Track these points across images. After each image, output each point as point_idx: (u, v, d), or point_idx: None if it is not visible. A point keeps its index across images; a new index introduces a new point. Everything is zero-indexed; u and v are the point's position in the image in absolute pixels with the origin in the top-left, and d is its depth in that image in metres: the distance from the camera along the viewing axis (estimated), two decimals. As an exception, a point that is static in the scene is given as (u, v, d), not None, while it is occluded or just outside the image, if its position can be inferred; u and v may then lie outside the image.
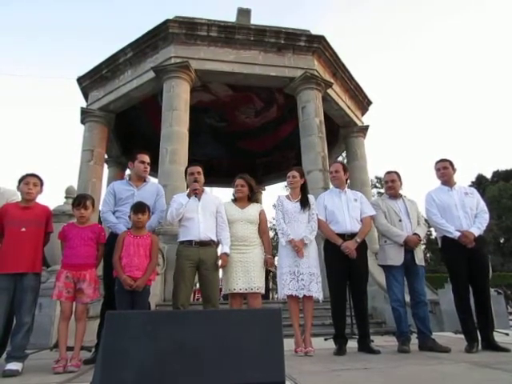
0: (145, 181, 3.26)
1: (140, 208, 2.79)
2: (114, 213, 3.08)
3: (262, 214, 3.31)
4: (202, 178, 3.18)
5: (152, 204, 3.08)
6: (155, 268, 2.81)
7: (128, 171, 3.51)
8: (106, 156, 9.76)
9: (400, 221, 3.31)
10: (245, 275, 3.06)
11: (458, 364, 2.38)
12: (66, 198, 4.77)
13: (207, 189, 3.36)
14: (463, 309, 3.05)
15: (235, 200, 3.37)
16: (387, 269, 3.27)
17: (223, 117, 10.74)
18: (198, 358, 1.25)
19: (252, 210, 3.29)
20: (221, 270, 3.12)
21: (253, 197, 3.39)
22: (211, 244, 3.05)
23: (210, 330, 1.29)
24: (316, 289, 3.11)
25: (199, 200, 3.11)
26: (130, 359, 1.20)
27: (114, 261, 2.68)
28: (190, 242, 2.98)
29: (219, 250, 3.10)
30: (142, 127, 9.98)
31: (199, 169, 3.19)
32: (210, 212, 3.11)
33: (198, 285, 3.16)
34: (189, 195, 3.05)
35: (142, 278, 2.64)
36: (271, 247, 3.36)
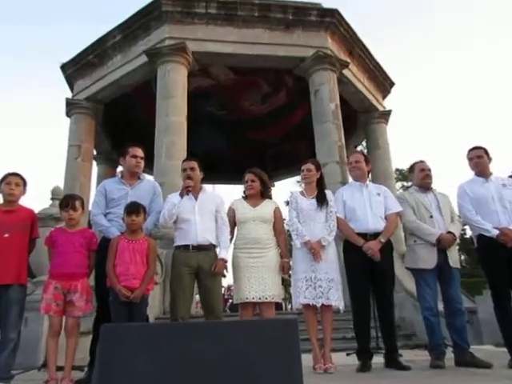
0: (139, 178, 3.28)
1: (134, 209, 2.80)
2: (105, 215, 3.10)
3: (276, 211, 3.34)
4: (197, 173, 3.19)
5: (148, 204, 3.10)
6: (153, 276, 2.84)
7: (120, 168, 3.54)
8: (94, 152, 9.85)
9: (431, 217, 3.28)
10: (259, 282, 3.08)
11: (499, 381, 2.36)
12: (52, 199, 4.83)
13: (208, 187, 3.37)
14: (504, 318, 3.01)
15: (246, 197, 3.40)
16: (417, 273, 3.25)
17: (225, 104, 10.73)
18: (204, 375, 1.25)
19: (266, 207, 3.32)
20: (226, 277, 3.15)
21: (266, 193, 3.42)
22: (211, 248, 3.07)
23: (216, 344, 1.29)
24: (336, 297, 3.11)
25: (196, 199, 3.13)
26: (129, 377, 1.20)
27: (107, 269, 2.70)
28: (186, 246, 3.01)
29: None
30: (134, 118, 10.02)
31: (193, 164, 3.20)
32: (208, 212, 3.12)
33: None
34: (181, 194, 3.06)
35: (140, 287, 2.67)
36: (286, 245, 3.41)
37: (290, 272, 3.49)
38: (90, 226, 3.23)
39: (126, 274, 2.66)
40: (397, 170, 27.37)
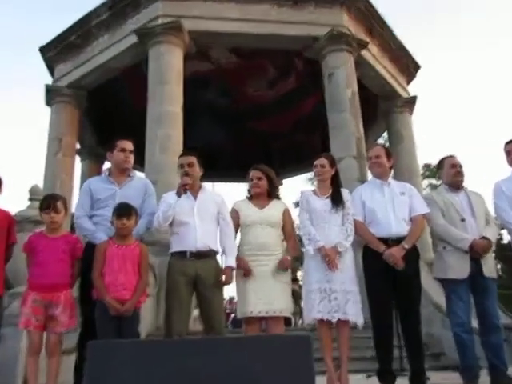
0: (129, 176, 3.31)
1: (125, 211, 2.83)
2: (90, 218, 3.12)
3: (286, 213, 3.38)
4: (196, 170, 3.21)
5: (139, 205, 3.13)
6: (146, 287, 2.86)
7: (107, 164, 3.58)
8: (77, 146, 9.90)
9: (463, 220, 3.28)
10: (266, 294, 3.10)
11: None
12: (31, 200, 4.86)
13: (207, 185, 3.40)
14: None
15: (251, 198, 3.43)
16: (447, 283, 3.25)
17: (227, 91, 10.76)
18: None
19: (274, 209, 3.35)
20: (227, 288, 3.16)
21: (273, 192, 3.45)
22: (211, 255, 3.10)
23: (219, 363, 1.30)
24: (354, 311, 3.11)
25: (195, 199, 3.15)
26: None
27: (93, 278, 2.72)
28: (183, 253, 3.03)
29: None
30: (122, 108, 10.06)
31: (191, 159, 3.21)
32: (209, 214, 3.15)
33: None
34: (178, 193, 3.07)
35: (131, 299, 2.68)
36: (297, 252, 3.43)
37: (301, 282, 3.50)
38: (72, 230, 3.26)
39: (115, 285, 2.68)
40: (424, 165, 27.15)
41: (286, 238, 3.33)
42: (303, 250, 3.41)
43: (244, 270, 3.17)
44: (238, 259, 3.18)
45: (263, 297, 3.09)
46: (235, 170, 10.79)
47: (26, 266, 2.86)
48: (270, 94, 10.89)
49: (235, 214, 3.35)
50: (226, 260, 3.10)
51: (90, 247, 2.95)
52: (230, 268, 3.07)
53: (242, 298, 3.16)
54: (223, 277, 3.05)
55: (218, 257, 3.24)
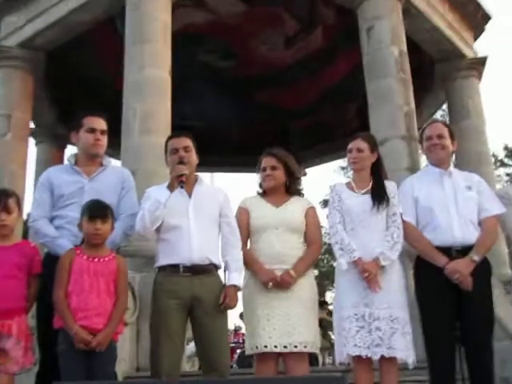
0: (101, 165, 3.33)
1: (99, 211, 2.84)
2: (51, 220, 3.15)
3: (310, 213, 3.42)
4: (192, 156, 3.25)
5: (115, 203, 3.17)
6: (125, 312, 2.88)
7: (72, 149, 3.59)
8: (32, 125, 9.93)
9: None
10: (284, 322, 3.12)
11: None
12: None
13: (204, 176, 3.41)
14: None
15: (264, 193, 3.46)
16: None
17: (230, 50, 10.70)
18: None
19: (294, 208, 3.38)
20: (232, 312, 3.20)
21: (293, 186, 3.48)
22: (211, 270, 3.13)
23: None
24: (402, 345, 3.11)
25: (190, 195, 3.18)
26: None
27: (55, 300, 2.73)
28: (175, 267, 3.05)
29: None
30: (91, 75, 10.05)
31: (187, 142, 3.25)
32: (208, 215, 3.19)
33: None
34: (170, 187, 3.09)
35: (106, 330, 2.69)
36: (314, 261, 3.49)
37: (331, 307, 3.52)
38: (25, 235, 3.29)
39: (85, 309, 2.69)
40: (508, 148, 26.51)
41: (307, 244, 3.37)
42: (334, 263, 3.42)
43: (269, 281, 3.17)
44: (259, 269, 3.21)
45: (280, 326, 3.11)
46: (242, 157, 10.79)
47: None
48: (288, 56, 10.82)
49: (243, 216, 3.39)
50: (229, 276, 3.12)
51: (51, 259, 2.96)
52: (234, 288, 3.09)
53: (252, 328, 3.19)
54: (223, 298, 3.04)
55: (221, 272, 3.27)
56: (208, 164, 9.28)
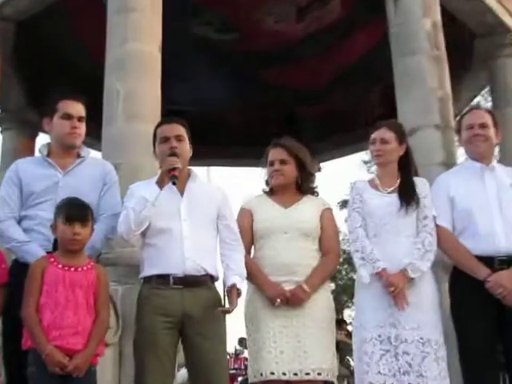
0: (78, 156, 3.34)
1: (78, 213, 2.83)
2: (19, 221, 3.14)
3: (326, 215, 3.44)
4: (185, 147, 3.25)
5: (95, 202, 3.18)
6: (106, 331, 2.88)
7: (44, 138, 3.61)
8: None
9: None
10: (293, 346, 3.12)
11: None
12: None
13: (199, 170, 3.40)
14: None
15: (271, 191, 3.47)
16: None
17: (230, 22, 10.70)
18: None
19: (306, 208, 3.40)
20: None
21: (306, 183, 3.50)
22: (207, 283, 3.12)
23: None
24: (435, 372, 3.10)
25: (181, 193, 3.19)
26: None
27: (24, 316, 2.71)
28: (164, 278, 3.04)
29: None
30: (68, 51, 10.05)
31: (179, 129, 3.25)
32: (204, 217, 3.19)
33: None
34: (160, 182, 3.07)
35: (85, 351, 2.68)
36: (331, 272, 3.49)
37: (350, 327, 3.53)
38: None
39: (59, 327, 2.67)
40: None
41: (323, 252, 3.37)
42: (354, 275, 3.42)
43: (276, 297, 3.17)
44: (264, 282, 3.22)
45: (290, 349, 3.12)
46: (244, 148, 10.79)
47: None
48: (299, 29, 10.78)
49: (246, 218, 3.41)
50: (229, 279, 3.11)
51: (19, 267, 2.96)
52: (235, 287, 3.07)
53: (256, 351, 3.19)
54: (229, 307, 3.04)
55: (219, 284, 3.27)
56: (203, 156, 9.26)
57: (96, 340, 2.76)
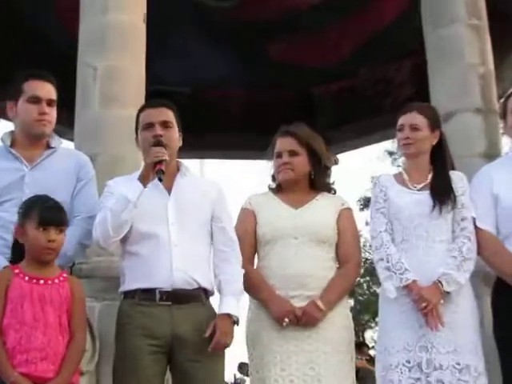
0: (48, 147, 3.36)
1: (55, 215, 2.82)
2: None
3: (344, 216, 3.46)
4: (173, 135, 3.25)
5: (67, 201, 3.18)
6: (82, 357, 2.88)
7: (7, 125, 3.61)
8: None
9: None
10: (304, 374, 3.12)
11: None
12: None
13: (191, 164, 3.37)
14: None
15: (279, 189, 3.45)
16: None
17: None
18: None
19: (321, 209, 3.42)
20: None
21: (321, 179, 3.49)
22: (200, 298, 3.13)
23: None
24: (474, 404, 3.08)
25: (169, 191, 3.20)
26: None
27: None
28: (149, 292, 3.05)
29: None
30: (36, 20, 10.07)
31: (166, 114, 3.25)
32: (196, 219, 3.20)
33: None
34: (142, 178, 3.04)
35: (57, 380, 2.67)
36: (351, 286, 3.52)
37: (372, 351, 3.54)
38: None
39: (26, 350, 2.66)
40: None
41: (340, 261, 3.37)
42: (377, 289, 3.41)
43: (284, 316, 3.16)
44: (269, 297, 3.20)
45: (301, 378, 3.12)
46: (245, 136, 10.78)
47: None
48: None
49: (248, 220, 3.43)
50: (222, 302, 3.10)
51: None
52: (227, 317, 3.05)
53: (261, 381, 3.20)
54: (210, 331, 2.99)
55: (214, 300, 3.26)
56: (196, 147, 9.29)
57: (70, 366, 2.74)
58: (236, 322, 3.10)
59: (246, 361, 3.53)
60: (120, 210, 2.98)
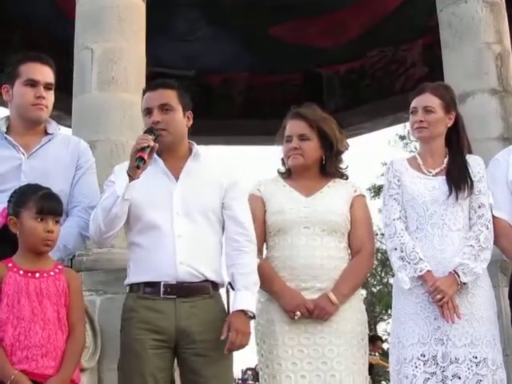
0: (46, 133, 3.35)
1: (54, 204, 2.81)
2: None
3: (358, 203, 3.44)
4: (176, 117, 3.19)
5: (66, 190, 3.20)
6: (82, 352, 2.87)
7: (2, 112, 3.60)
8: None
9: None
10: (317, 368, 3.12)
11: None
12: None
13: (199, 149, 3.32)
14: None
15: (288, 174, 3.46)
16: None
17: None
18: None
19: (333, 196, 3.40)
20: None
21: (333, 164, 3.47)
22: (207, 290, 3.10)
23: None
24: (493, 400, 3.07)
25: (176, 178, 3.17)
26: None
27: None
28: (153, 286, 3.04)
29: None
30: (31, 4, 10.06)
31: (166, 96, 3.19)
32: (204, 208, 3.16)
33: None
34: (130, 169, 2.95)
35: (58, 377, 2.67)
36: (364, 276, 3.53)
37: (386, 345, 3.53)
38: None
39: (26, 346, 2.65)
40: None
41: (353, 251, 3.37)
42: (391, 280, 3.40)
43: (296, 309, 3.15)
44: (281, 290, 3.18)
45: (313, 373, 3.12)
46: (251, 121, 10.77)
47: None
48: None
49: (256, 208, 3.39)
50: (236, 297, 3.06)
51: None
52: (243, 314, 3.02)
53: (271, 376, 3.19)
54: (226, 330, 2.95)
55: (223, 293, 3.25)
56: (200, 132, 9.25)
57: (71, 362, 2.74)
58: (252, 317, 3.06)
59: (251, 366, 3.51)
60: (110, 204, 2.95)
